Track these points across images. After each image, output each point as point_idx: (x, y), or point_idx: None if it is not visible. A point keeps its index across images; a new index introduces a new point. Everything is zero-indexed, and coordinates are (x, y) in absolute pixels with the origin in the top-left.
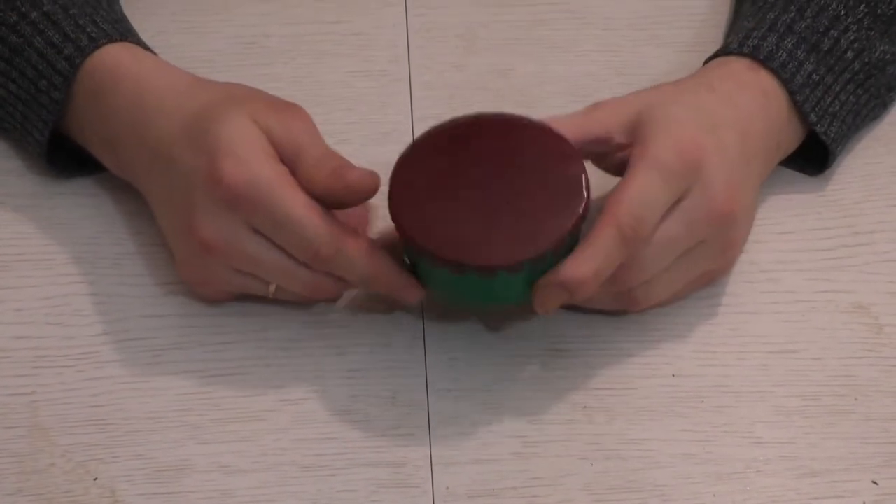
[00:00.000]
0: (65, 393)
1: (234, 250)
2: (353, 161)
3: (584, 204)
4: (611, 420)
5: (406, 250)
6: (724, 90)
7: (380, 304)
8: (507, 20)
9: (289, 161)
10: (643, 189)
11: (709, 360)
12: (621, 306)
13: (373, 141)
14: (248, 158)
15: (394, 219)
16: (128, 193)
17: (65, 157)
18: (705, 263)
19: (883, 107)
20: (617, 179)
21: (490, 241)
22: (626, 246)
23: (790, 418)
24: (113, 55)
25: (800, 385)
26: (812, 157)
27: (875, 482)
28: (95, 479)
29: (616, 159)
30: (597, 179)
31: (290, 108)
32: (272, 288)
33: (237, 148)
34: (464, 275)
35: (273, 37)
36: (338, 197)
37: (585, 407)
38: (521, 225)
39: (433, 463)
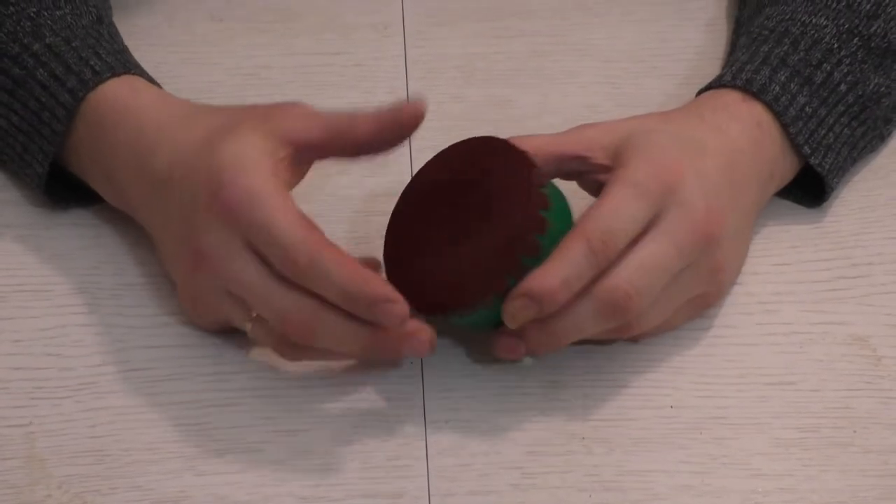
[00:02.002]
0: (62, 424)
1: (225, 265)
2: (352, 192)
3: (537, 224)
4: (609, 451)
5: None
6: (714, 120)
7: None
8: (505, 52)
9: (319, 152)
10: (614, 204)
11: (707, 391)
12: (614, 334)
13: (372, 172)
14: (247, 170)
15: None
16: (127, 224)
17: (62, 188)
18: (693, 287)
19: (881, 139)
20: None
21: (462, 283)
22: (595, 257)
23: (788, 450)
24: (114, 90)
25: (798, 417)
26: (810, 189)
27: None
28: None
29: (595, 182)
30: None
31: (288, 108)
32: (249, 326)
33: (237, 161)
34: (446, 314)
35: (273, 68)
36: (393, 133)
37: (584, 438)
38: (485, 259)
39: (431, 494)
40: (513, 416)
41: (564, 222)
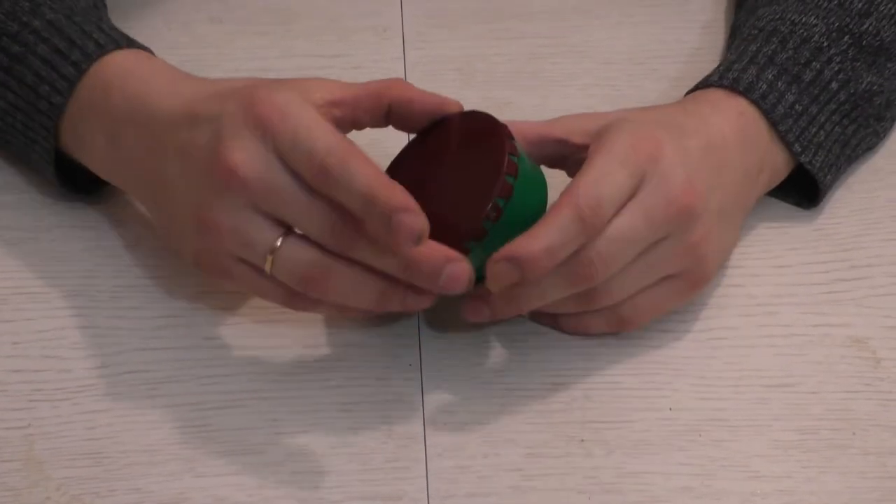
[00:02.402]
0: (61, 426)
1: (258, 177)
2: None
3: (502, 165)
4: (608, 453)
5: None
6: (695, 110)
7: (376, 338)
8: (505, 54)
9: (353, 107)
10: (600, 173)
11: (706, 393)
12: (580, 305)
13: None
14: (281, 89)
15: None
16: (126, 226)
17: (66, 173)
18: (670, 262)
19: (875, 136)
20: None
21: (454, 219)
22: (582, 225)
23: (788, 452)
24: (123, 56)
25: (797, 419)
26: (806, 190)
27: None
28: None
29: (574, 162)
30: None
31: (309, 79)
32: (269, 259)
33: (273, 90)
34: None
35: (272, 70)
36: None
37: (583, 440)
38: (458, 209)
39: (430, 496)
40: (512, 418)
41: (535, 195)
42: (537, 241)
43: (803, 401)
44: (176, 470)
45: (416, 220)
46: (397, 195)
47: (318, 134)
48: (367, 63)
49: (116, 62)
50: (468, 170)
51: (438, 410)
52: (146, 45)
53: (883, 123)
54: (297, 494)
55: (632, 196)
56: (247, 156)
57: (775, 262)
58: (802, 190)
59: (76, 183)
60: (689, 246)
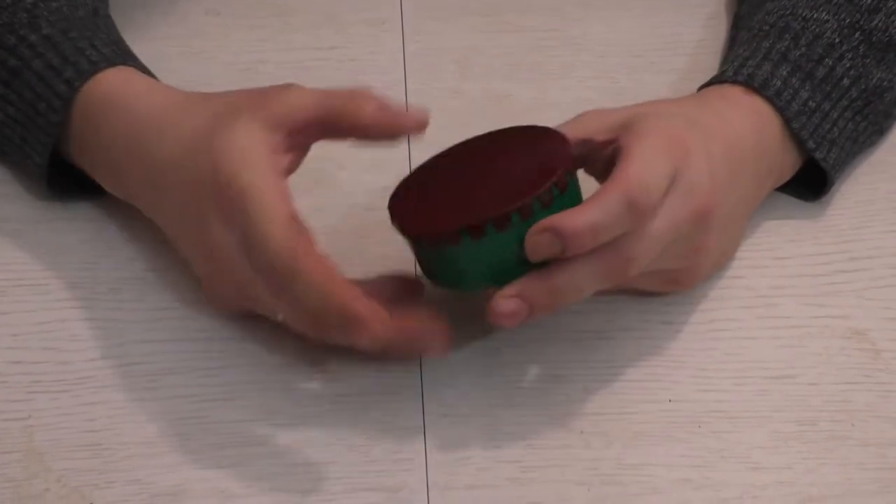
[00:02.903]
0: (60, 418)
1: (230, 265)
2: (352, 187)
3: (569, 161)
4: (608, 445)
5: (415, 250)
6: (716, 107)
7: None
8: (503, 46)
9: (317, 133)
10: (646, 160)
11: (706, 385)
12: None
13: (370, 167)
14: (245, 163)
15: (393, 219)
16: (125, 219)
17: (65, 180)
18: (672, 259)
19: (880, 133)
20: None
21: (477, 204)
22: (630, 210)
23: (787, 443)
24: (108, 81)
25: (797, 410)
26: (809, 183)
27: None
28: None
29: (598, 161)
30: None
31: (283, 90)
32: (280, 316)
33: (236, 154)
34: (458, 243)
35: (269, 63)
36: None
37: (582, 432)
38: (508, 187)
39: (430, 488)
40: (512, 410)
41: None
42: (583, 216)
43: (803, 392)
44: (175, 461)
45: (371, 330)
46: (349, 309)
47: (273, 237)
48: (364, 56)
49: (103, 89)
50: (524, 161)
51: (438, 402)
52: (145, 36)
53: (889, 120)
54: (297, 486)
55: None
56: (221, 241)
57: (776, 254)
58: (804, 183)
59: (69, 188)
60: (694, 249)
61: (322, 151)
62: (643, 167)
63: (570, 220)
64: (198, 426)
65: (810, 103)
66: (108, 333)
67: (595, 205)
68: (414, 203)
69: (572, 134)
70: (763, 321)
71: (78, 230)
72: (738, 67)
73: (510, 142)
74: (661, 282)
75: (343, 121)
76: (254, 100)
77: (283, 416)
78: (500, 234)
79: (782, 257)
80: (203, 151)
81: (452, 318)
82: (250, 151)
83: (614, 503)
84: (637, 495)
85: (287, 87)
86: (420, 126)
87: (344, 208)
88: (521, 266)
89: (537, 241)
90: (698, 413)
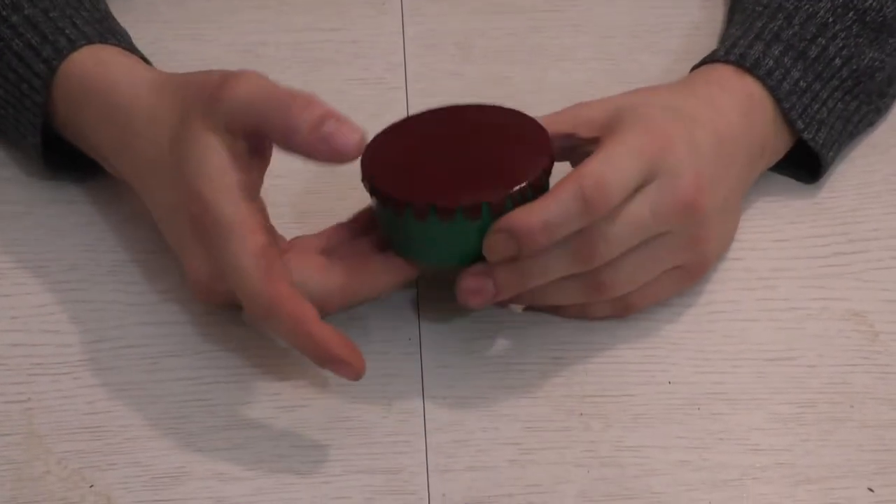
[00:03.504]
0: (60, 400)
1: (211, 289)
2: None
3: (548, 160)
4: (607, 427)
5: (379, 211)
6: (705, 93)
7: (375, 312)
8: (503, 28)
9: (264, 135)
10: (609, 158)
11: (705, 367)
12: (588, 294)
13: None
14: (217, 192)
15: (364, 174)
16: (124, 201)
17: (64, 158)
18: (674, 255)
19: (877, 112)
20: None
21: (451, 185)
22: (583, 204)
23: (786, 425)
24: (83, 63)
25: (795, 392)
26: (806, 165)
27: (871, 489)
28: (91, 486)
29: (582, 155)
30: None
31: (226, 92)
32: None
33: (207, 184)
34: (425, 220)
35: (269, 45)
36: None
37: (582, 414)
38: (484, 176)
39: (429, 470)
40: (511, 392)
41: None
42: (535, 215)
43: (802, 374)
44: (175, 444)
45: (350, 369)
46: (326, 351)
47: (249, 279)
48: (365, 37)
49: (76, 73)
50: (505, 151)
51: (438, 385)
52: (144, 18)
53: (885, 100)
54: (297, 468)
55: (641, 187)
56: (201, 268)
57: (774, 237)
58: (802, 165)
59: (68, 166)
60: (693, 241)
61: None
62: (603, 164)
63: (524, 218)
64: (198, 408)
65: (801, 83)
66: (109, 316)
67: (548, 202)
68: (388, 164)
69: (559, 127)
70: (762, 303)
71: (77, 213)
72: (729, 47)
73: (494, 125)
74: (676, 280)
75: (278, 143)
76: (201, 101)
77: (283, 398)
78: (469, 222)
79: (781, 239)
80: (175, 163)
81: (451, 301)
82: (215, 175)
83: (613, 485)
84: (636, 477)
85: (234, 85)
86: (355, 154)
87: (344, 191)
88: (476, 256)
89: (493, 240)
90: (697, 395)
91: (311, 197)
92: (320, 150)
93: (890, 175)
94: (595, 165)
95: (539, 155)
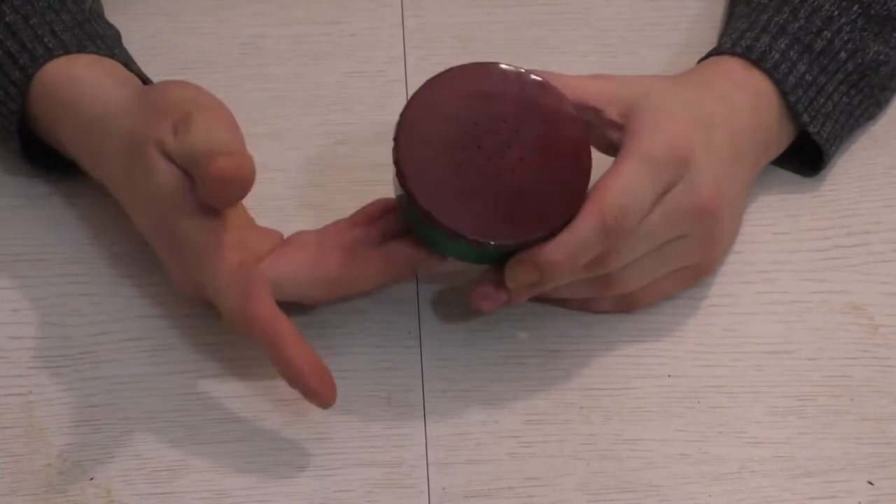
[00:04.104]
0: (61, 393)
1: (201, 293)
2: (352, 161)
3: (580, 204)
4: (606, 420)
5: (405, 207)
6: (719, 88)
7: (375, 305)
8: (503, 21)
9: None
10: (630, 181)
11: (704, 360)
12: (595, 290)
13: (370, 141)
14: (182, 212)
15: (397, 165)
16: None
17: (47, 159)
18: (685, 257)
19: (877, 106)
20: (602, 157)
21: (487, 221)
22: (606, 236)
23: (785, 419)
24: (54, 79)
25: (795, 385)
26: (807, 157)
27: (870, 482)
28: (91, 478)
29: (604, 137)
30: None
31: (148, 109)
32: None
33: (166, 206)
34: (456, 242)
35: (269, 38)
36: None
37: (581, 407)
38: (518, 212)
39: (429, 463)
40: (511, 386)
41: None
42: (561, 250)
43: (801, 367)
44: (176, 437)
45: (318, 400)
46: (298, 376)
47: (221, 292)
48: (364, 31)
49: (49, 86)
50: (539, 183)
51: (437, 378)
52: (143, 12)
53: (885, 93)
54: (297, 461)
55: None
56: (181, 280)
57: (774, 229)
58: (802, 158)
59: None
60: (706, 243)
61: (321, 127)
62: (624, 188)
63: (549, 254)
64: (198, 401)
65: (807, 76)
66: (108, 308)
67: (572, 236)
68: (423, 163)
69: (587, 98)
70: (761, 296)
71: (76, 205)
72: (736, 39)
73: (539, 134)
74: (683, 279)
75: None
76: (141, 120)
77: (283, 391)
78: (495, 251)
79: (781, 232)
80: (140, 189)
81: (450, 294)
82: (171, 198)
83: (612, 478)
84: (635, 470)
85: (153, 99)
86: (233, 184)
87: (344, 184)
88: (490, 263)
89: (517, 271)
90: (696, 388)
91: (311, 190)
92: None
93: (890, 167)
94: (614, 194)
95: (573, 197)
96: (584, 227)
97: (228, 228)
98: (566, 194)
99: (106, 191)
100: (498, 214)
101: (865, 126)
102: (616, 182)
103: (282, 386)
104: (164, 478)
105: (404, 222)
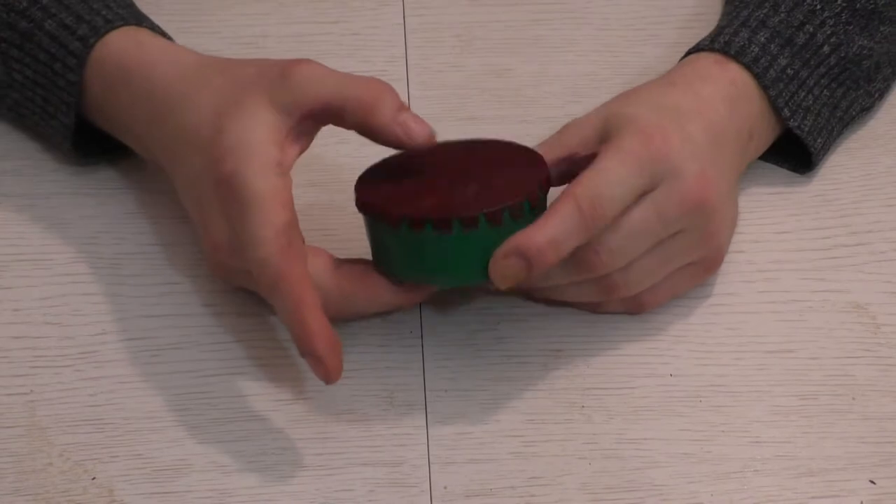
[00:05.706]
0: (63, 392)
1: (230, 263)
2: (352, 160)
3: (544, 176)
4: (609, 419)
5: (371, 234)
6: (684, 83)
7: None
8: (504, 20)
9: (330, 119)
10: (605, 170)
11: (706, 359)
12: (601, 294)
13: (370, 141)
14: (249, 159)
15: (357, 194)
16: (126, 193)
17: (85, 140)
18: (688, 253)
19: (868, 97)
20: None
21: (446, 200)
22: (583, 219)
23: (788, 418)
24: (120, 44)
25: (797, 384)
26: (802, 154)
27: (872, 482)
28: (93, 478)
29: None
30: None
31: (299, 69)
32: None
33: (241, 147)
34: (422, 230)
35: (271, 37)
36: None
37: (583, 406)
38: (478, 192)
39: (431, 462)
40: (512, 385)
41: None
42: (542, 232)
43: (803, 366)
44: (178, 436)
45: (321, 369)
46: (310, 342)
47: (262, 249)
48: (365, 30)
49: (114, 53)
50: (500, 172)
51: (439, 377)
52: (146, 11)
53: (874, 84)
54: (299, 461)
55: (644, 193)
56: (217, 227)
57: (776, 229)
58: (798, 156)
59: (92, 150)
60: (707, 236)
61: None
62: (597, 177)
63: (532, 237)
64: (200, 401)
65: (788, 70)
66: (111, 308)
67: (548, 219)
68: (382, 188)
69: (555, 152)
70: (763, 295)
71: (79, 205)
72: (714, 36)
73: (488, 152)
74: (692, 276)
75: (355, 116)
76: (268, 78)
77: (284, 391)
78: (465, 234)
79: (782, 232)
80: (213, 133)
81: (452, 293)
82: (256, 147)
83: (615, 477)
84: (638, 469)
85: (304, 67)
86: (426, 144)
87: (344, 184)
88: (475, 273)
89: (504, 266)
90: (699, 387)
91: (314, 189)
92: (396, 132)
93: (892, 167)
94: (588, 179)
95: (534, 172)
96: (559, 211)
97: (290, 200)
98: (523, 177)
99: (110, 189)
100: (457, 199)
101: (865, 124)
102: (591, 171)
103: (284, 385)
104: (165, 477)
105: (378, 266)
